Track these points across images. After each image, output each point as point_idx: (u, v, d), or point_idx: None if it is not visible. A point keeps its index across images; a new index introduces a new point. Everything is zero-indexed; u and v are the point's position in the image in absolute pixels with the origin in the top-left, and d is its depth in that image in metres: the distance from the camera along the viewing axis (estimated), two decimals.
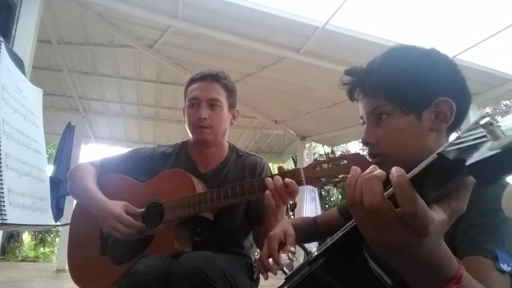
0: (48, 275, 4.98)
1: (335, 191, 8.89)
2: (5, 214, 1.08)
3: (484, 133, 0.35)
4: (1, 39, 1.30)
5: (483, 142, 0.35)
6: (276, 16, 2.94)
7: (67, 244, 1.42)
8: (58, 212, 4.44)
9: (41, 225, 1.41)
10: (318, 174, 1.08)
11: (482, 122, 0.36)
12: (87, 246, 1.35)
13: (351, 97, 0.86)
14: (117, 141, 6.66)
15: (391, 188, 0.43)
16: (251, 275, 1.35)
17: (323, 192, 8.44)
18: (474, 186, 0.65)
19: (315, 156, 7.68)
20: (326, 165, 1.07)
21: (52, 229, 8.82)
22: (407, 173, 0.43)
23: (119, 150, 5.25)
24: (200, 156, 1.42)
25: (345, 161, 1.05)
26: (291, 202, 5.30)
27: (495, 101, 3.77)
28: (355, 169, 0.50)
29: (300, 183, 1.08)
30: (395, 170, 0.43)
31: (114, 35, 3.80)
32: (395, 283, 0.57)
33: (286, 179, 1.08)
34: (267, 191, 1.08)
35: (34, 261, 8.53)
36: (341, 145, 8.78)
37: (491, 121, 0.35)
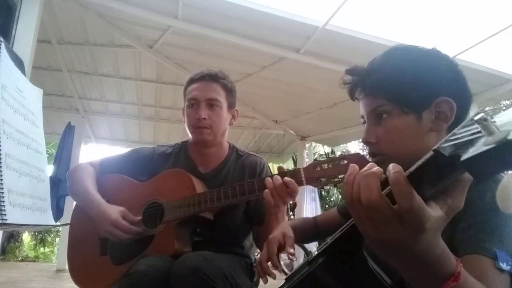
0: (48, 275, 4.98)
1: (335, 191, 8.90)
2: (5, 214, 1.08)
3: (479, 129, 0.36)
4: (1, 39, 1.30)
5: (478, 138, 0.35)
6: (276, 16, 2.94)
7: (67, 244, 1.42)
8: (58, 212, 4.45)
9: (41, 225, 1.41)
10: (318, 174, 1.08)
11: (477, 118, 0.36)
12: (87, 246, 1.35)
13: (352, 97, 0.86)
14: (117, 141, 6.66)
15: (389, 186, 0.44)
16: (251, 275, 1.35)
17: (323, 192, 8.44)
18: (473, 185, 0.66)
19: (315, 156, 7.69)
20: (326, 165, 1.07)
21: (52, 229, 8.83)
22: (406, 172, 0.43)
23: (119, 150, 5.25)
24: (200, 156, 1.42)
25: (345, 161, 1.05)
26: (291, 202, 5.30)
27: (495, 101, 3.77)
28: (353, 167, 0.50)
29: (300, 183, 1.08)
30: (392, 167, 0.44)
31: (114, 35, 3.80)
32: (394, 282, 0.57)
33: (286, 178, 1.08)
34: (266, 190, 1.08)
35: (34, 261, 8.53)
36: (341, 145, 8.77)
37: (485, 116, 0.35)
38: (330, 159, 1.08)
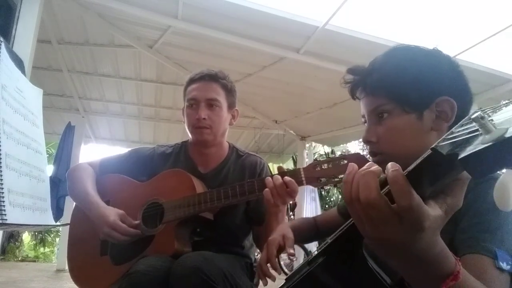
0: (48, 275, 4.98)
1: (335, 191, 8.90)
2: (5, 214, 1.08)
3: (477, 127, 0.36)
4: (1, 39, 1.30)
5: (476, 136, 0.35)
6: (276, 16, 2.94)
7: (67, 244, 1.42)
8: (58, 212, 4.45)
9: (41, 225, 1.41)
10: (318, 174, 1.08)
11: (474, 116, 0.36)
12: (87, 246, 1.35)
13: (353, 96, 0.86)
14: (117, 141, 6.66)
15: (388, 185, 0.44)
16: (251, 275, 1.35)
17: (323, 192, 8.45)
18: (474, 185, 0.66)
19: (315, 156, 7.69)
20: (326, 165, 1.07)
21: (52, 229, 8.83)
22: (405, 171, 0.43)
23: (119, 150, 5.24)
24: (199, 156, 1.42)
25: (345, 161, 1.05)
26: (291, 202, 5.31)
27: (495, 101, 3.73)
28: (352, 166, 0.50)
29: (300, 183, 1.09)
30: (390, 166, 0.44)
31: (114, 35, 3.80)
32: (394, 281, 0.57)
33: (286, 177, 1.08)
34: (267, 189, 1.08)
35: (34, 261, 8.53)
36: (341, 145, 8.77)
37: (482, 115, 0.35)
38: (330, 159, 1.09)
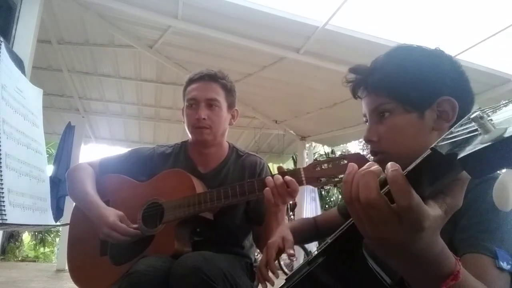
0: (48, 275, 4.98)
1: (335, 191, 8.91)
2: (5, 214, 1.08)
3: (476, 127, 0.36)
4: (1, 39, 1.30)
5: (475, 136, 0.35)
6: (276, 16, 2.94)
7: (67, 244, 1.42)
8: (58, 212, 4.45)
9: (41, 225, 1.41)
10: (318, 174, 1.08)
11: (473, 116, 0.36)
12: (87, 246, 1.35)
13: (355, 95, 0.87)
14: (117, 141, 6.66)
15: (388, 185, 0.44)
16: (251, 275, 1.35)
17: (323, 192, 8.45)
18: (474, 184, 0.66)
19: (315, 156, 7.69)
20: (326, 165, 1.07)
21: (52, 229, 8.83)
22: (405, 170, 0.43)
23: (119, 150, 5.23)
24: (199, 156, 1.42)
25: (345, 161, 1.05)
26: (291, 202, 5.31)
27: (495, 101, 3.72)
28: (352, 166, 0.50)
29: (300, 183, 1.09)
30: (390, 165, 0.44)
31: (114, 35, 3.80)
32: (394, 281, 0.57)
33: (287, 177, 1.08)
34: (267, 188, 1.08)
35: (34, 261, 8.53)
36: (341, 145, 8.78)
37: (481, 114, 0.35)
38: (330, 159, 1.09)
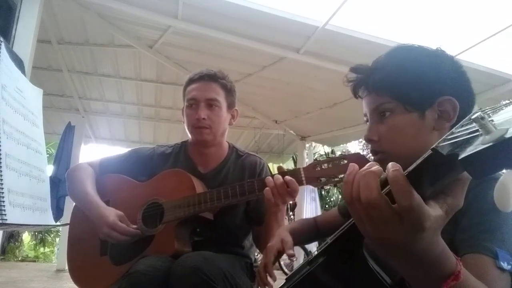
0: (48, 275, 4.98)
1: (335, 191, 8.90)
2: (5, 214, 1.08)
3: (477, 128, 0.36)
4: (1, 39, 1.30)
5: (476, 136, 0.35)
6: (276, 16, 2.94)
7: (67, 244, 1.42)
8: (58, 212, 4.45)
9: (41, 225, 1.41)
10: (318, 174, 1.08)
11: (474, 116, 0.36)
12: (87, 246, 1.35)
13: (355, 95, 0.87)
14: (117, 141, 6.66)
15: (388, 185, 0.44)
16: (251, 275, 1.35)
17: (323, 192, 8.45)
18: (475, 184, 0.66)
19: (315, 156, 7.69)
20: (326, 165, 1.07)
21: (52, 229, 8.82)
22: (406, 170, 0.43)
23: (119, 150, 5.23)
24: (199, 156, 1.42)
25: (345, 161, 1.05)
26: (291, 202, 5.31)
27: (495, 101, 3.77)
28: (353, 166, 0.50)
29: (300, 183, 1.09)
30: (391, 165, 0.44)
31: (114, 35, 3.80)
32: (395, 282, 0.57)
33: (286, 177, 1.08)
34: (267, 188, 1.09)
35: (34, 261, 8.53)
36: (341, 145, 8.78)
37: (482, 115, 0.35)
38: (330, 159, 1.09)
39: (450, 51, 0.80)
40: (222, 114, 1.37)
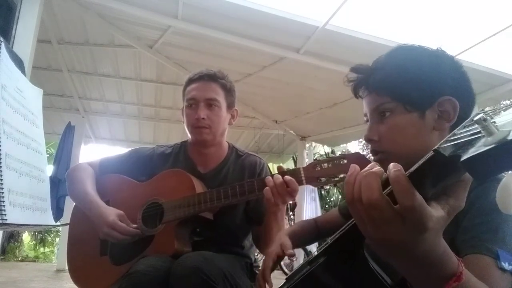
0: (48, 275, 4.98)
1: (335, 191, 8.90)
2: (5, 214, 1.08)
3: (479, 129, 0.35)
4: (1, 39, 1.30)
5: (478, 138, 0.35)
6: (276, 16, 2.94)
7: (67, 244, 1.42)
8: (58, 212, 4.45)
9: (41, 225, 1.41)
10: (318, 174, 1.08)
11: (477, 118, 0.36)
12: (87, 246, 1.35)
13: (356, 94, 0.87)
14: (117, 141, 6.66)
15: (390, 186, 0.44)
16: (251, 275, 1.35)
17: (323, 192, 8.45)
18: (476, 185, 0.66)
19: (315, 156, 7.69)
20: (326, 164, 1.07)
21: (52, 229, 8.82)
22: (407, 171, 0.43)
23: (119, 150, 5.24)
24: (199, 156, 1.41)
25: (345, 161, 1.05)
26: (291, 202, 5.30)
27: (495, 101, 3.78)
28: (354, 167, 0.50)
29: (300, 182, 1.09)
30: (392, 166, 0.43)
31: (114, 35, 3.80)
32: (395, 282, 0.57)
33: (286, 176, 1.08)
34: (267, 187, 1.08)
35: (34, 261, 8.53)
36: (341, 145, 8.77)
37: (485, 117, 0.35)
38: (330, 158, 1.09)
39: (450, 51, 0.80)
40: (221, 114, 1.37)
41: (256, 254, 1.55)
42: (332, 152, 9.06)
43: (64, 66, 4.39)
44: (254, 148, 6.21)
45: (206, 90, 1.35)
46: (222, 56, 3.71)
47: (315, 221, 1.17)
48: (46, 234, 9.55)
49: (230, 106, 1.42)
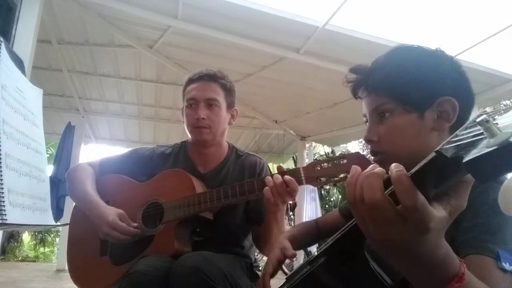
0: (48, 275, 4.98)
1: (335, 191, 8.90)
2: (5, 214, 1.08)
3: (481, 131, 0.35)
4: (1, 39, 1.30)
5: (481, 140, 0.35)
6: (276, 16, 2.94)
7: (67, 244, 1.42)
8: (58, 212, 4.44)
9: (41, 225, 1.41)
10: (318, 174, 1.08)
11: (479, 119, 0.36)
12: (87, 246, 1.35)
13: (355, 95, 0.86)
14: (117, 141, 6.66)
15: (392, 186, 0.43)
16: (251, 275, 1.35)
17: (323, 192, 8.44)
18: (475, 186, 0.66)
19: (315, 156, 7.68)
20: (325, 164, 1.07)
21: (52, 229, 8.82)
22: (408, 171, 0.43)
23: (119, 150, 5.25)
24: (199, 156, 1.41)
25: (345, 160, 1.05)
26: (291, 202, 5.30)
27: (495, 101, 3.78)
28: (355, 168, 0.50)
29: (300, 182, 1.09)
30: (394, 166, 0.43)
31: (114, 35, 3.80)
32: (396, 283, 0.57)
33: (286, 176, 1.08)
34: (267, 187, 1.08)
35: (34, 261, 8.53)
36: (341, 145, 8.77)
37: (487, 118, 0.35)
38: (330, 158, 1.09)
39: (450, 51, 0.80)
40: (221, 114, 1.37)
41: (256, 254, 1.55)
42: (332, 152, 9.06)
43: (64, 66, 4.39)
44: (254, 148, 6.21)
45: (206, 90, 1.35)
46: (222, 56, 3.71)
47: (315, 222, 1.17)
48: (46, 234, 9.55)
49: (230, 106, 1.42)
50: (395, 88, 0.77)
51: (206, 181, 1.34)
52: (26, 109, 1.39)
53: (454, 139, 0.39)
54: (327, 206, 8.59)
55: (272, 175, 1.11)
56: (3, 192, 1.09)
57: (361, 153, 1.07)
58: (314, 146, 7.18)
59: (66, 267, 1.71)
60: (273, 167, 5.04)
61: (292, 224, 6.35)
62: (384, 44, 2.97)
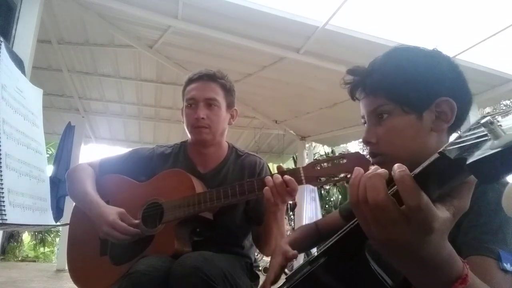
0: (48, 275, 4.98)
1: (335, 191, 8.89)
2: (5, 214, 1.08)
3: (485, 132, 0.35)
4: (1, 39, 1.30)
5: (484, 141, 0.35)
6: (276, 16, 2.94)
7: (66, 244, 1.42)
8: (58, 212, 4.44)
9: (41, 225, 1.41)
10: (318, 173, 1.08)
11: (483, 121, 0.36)
12: (87, 246, 1.35)
13: (353, 97, 0.86)
14: (117, 141, 6.66)
15: (395, 186, 0.43)
16: (251, 275, 1.35)
17: (323, 192, 8.44)
18: (476, 186, 0.66)
19: (315, 156, 7.68)
20: (325, 164, 1.07)
21: (52, 229, 8.82)
22: (409, 172, 0.43)
23: (119, 150, 5.28)
24: (199, 156, 1.41)
25: (345, 160, 1.05)
26: (291, 202, 5.29)
27: (495, 101, 3.78)
28: (358, 170, 0.50)
29: (299, 182, 1.09)
30: (397, 166, 0.43)
31: (114, 35, 3.79)
32: (396, 283, 0.57)
33: (286, 176, 1.08)
34: (267, 187, 1.08)
35: (34, 261, 8.52)
36: (341, 145, 8.77)
37: (492, 120, 0.35)
38: (330, 158, 1.08)
39: (450, 51, 0.81)
40: (221, 114, 1.37)
41: (256, 254, 1.55)
42: (332, 152, 9.05)
43: (64, 66, 4.39)
44: (254, 148, 6.21)
45: (206, 90, 1.35)
46: (222, 56, 3.71)
47: (315, 224, 1.17)
48: (46, 234, 9.55)
49: (229, 106, 1.42)
50: (393, 89, 0.77)
51: (206, 181, 1.34)
52: (26, 109, 1.38)
53: (457, 141, 0.39)
54: (327, 206, 8.58)
55: (272, 175, 1.11)
56: (3, 192, 1.09)
57: (361, 153, 1.07)
58: (314, 146, 7.17)
59: (66, 267, 1.71)
60: (273, 167, 5.03)
61: (292, 224, 6.35)
62: (384, 44, 2.97)
